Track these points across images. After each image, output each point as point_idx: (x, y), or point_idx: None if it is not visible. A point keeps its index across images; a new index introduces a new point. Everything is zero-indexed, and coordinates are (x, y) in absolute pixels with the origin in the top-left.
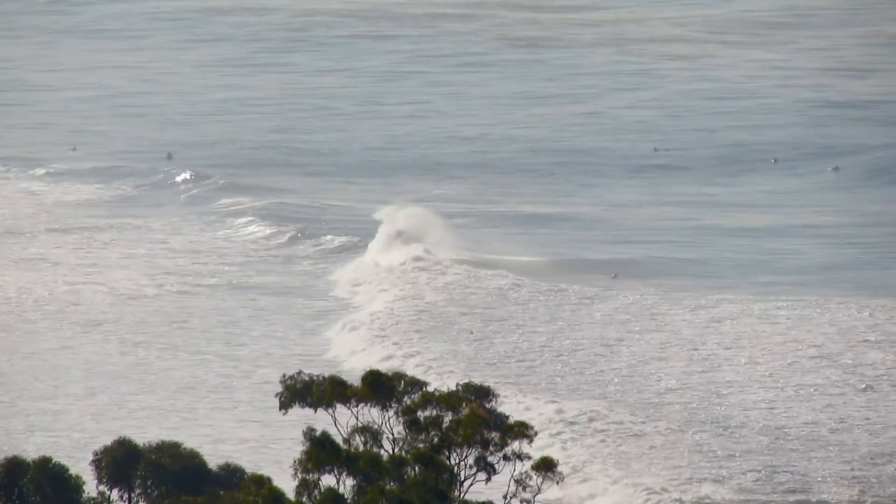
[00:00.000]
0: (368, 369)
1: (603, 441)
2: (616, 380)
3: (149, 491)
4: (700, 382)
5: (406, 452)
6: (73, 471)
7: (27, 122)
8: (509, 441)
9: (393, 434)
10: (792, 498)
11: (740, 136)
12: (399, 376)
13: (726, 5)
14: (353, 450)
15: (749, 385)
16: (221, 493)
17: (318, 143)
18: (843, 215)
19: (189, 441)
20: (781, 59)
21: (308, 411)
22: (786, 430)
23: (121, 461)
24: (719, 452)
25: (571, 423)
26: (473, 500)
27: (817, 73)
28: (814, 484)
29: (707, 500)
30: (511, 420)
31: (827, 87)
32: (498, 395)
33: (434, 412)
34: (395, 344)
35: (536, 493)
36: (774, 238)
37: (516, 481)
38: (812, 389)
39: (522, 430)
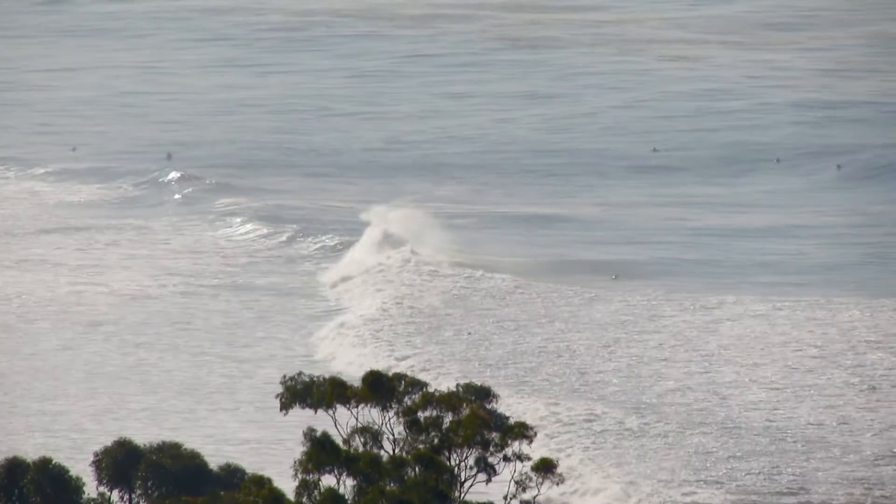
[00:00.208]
0: (368, 370)
1: (603, 441)
2: (615, 381)
3: (149, 492)
4: (701, 383)
5: (406, 453)
6: (73, 472)
7: (27, 122)
8: (509, 442)
9: (393, 435)
10: (793, 499)
11: (740, 136)
12: (399, 377)
13: (726, 6)
14: (353, 450)
15: (750, 386)
16: (222, 493)
17: (318, 143)
18: (843, 215)
19: (189, 442)
20: (782, 59)
21: (308, 412)
22: (787, 430)
23: (121, 462)
24: (720, 453)
25: (569, 424)
26: (474, 501)
27: (817, 73)
28: (815, 485)
29: (707, 502)
30: (511, 421)
31: (827, 88)
32: (498, 396)
33: (434, 413)
34: (389, 345)
35: (536, 495)
36: (775, 238)
37: (516, 482)
38: (813, 390)
39: (522, 431)
